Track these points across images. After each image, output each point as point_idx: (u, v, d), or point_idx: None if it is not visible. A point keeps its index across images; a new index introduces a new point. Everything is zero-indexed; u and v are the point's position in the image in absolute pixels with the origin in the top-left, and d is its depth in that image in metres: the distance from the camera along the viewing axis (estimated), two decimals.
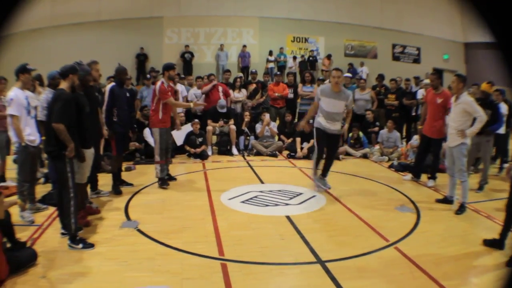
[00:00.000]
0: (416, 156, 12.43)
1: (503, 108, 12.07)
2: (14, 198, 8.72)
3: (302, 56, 28.74)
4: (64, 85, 7.30)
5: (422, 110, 11.96)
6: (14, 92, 8.33)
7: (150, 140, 13.14)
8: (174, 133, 14.17)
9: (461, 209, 9.36)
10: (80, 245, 7.20)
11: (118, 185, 10.58)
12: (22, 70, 8.35)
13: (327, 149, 10.86)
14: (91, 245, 7.28)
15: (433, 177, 11.69)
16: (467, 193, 9.42)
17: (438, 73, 11.65)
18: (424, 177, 11.97)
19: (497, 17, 2.21)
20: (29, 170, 8.59)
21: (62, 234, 7.58)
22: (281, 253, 7.22)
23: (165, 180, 11.09)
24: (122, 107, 10.36)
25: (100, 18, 26.03)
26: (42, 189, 9.97)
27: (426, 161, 11.92)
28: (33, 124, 8.57)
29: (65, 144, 7.03)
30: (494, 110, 10.91)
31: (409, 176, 12.08)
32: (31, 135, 8.41)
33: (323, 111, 10.29)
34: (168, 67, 11.05)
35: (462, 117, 9.30)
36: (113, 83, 10.60)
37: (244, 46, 28.15)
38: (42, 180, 10.84)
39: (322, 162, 10.78)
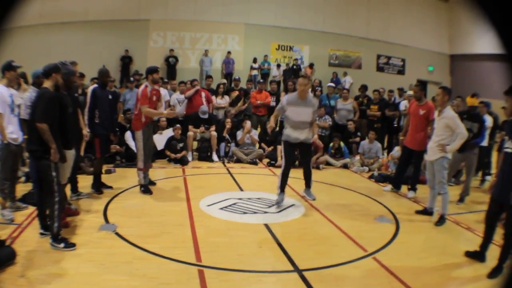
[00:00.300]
0: (397, 167, 12.47)
1: (488, 120, 12.16)
2: None
3: (287, 64, 28.77)
4: (47, 84, 7.29)
5: (405, 121, 12.01)
6: None
7: (131, 143, 13.13)
8: (155, 137, 14.16)
9: (440, 221, 9.40)
10: (62, 245, 7.17)
11: (100, 184, 10.60)
12: (8, 67, 8.28)
13: (301, 158, 11.14)
14: (73, 245, 7.26)
15: (413, 189, 11.72)
16: (447, 205, 9.46)
17: (421, 85, 11.73)
18: (404, 188, 12.01)
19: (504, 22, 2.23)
20: (10, 169, 8.53)
21: (41, 234, 7.57)
22: (258, 261, 7.24)
23: (147, 187, 10.91)
24: (104, 109, 10.33)
25: (87, 18, 25.96)
26: (22, 188, 9.90)
27: (407, 173, 11.96)
28: (16, 122, 8.50)
29: (48, 144, 6.99)
30: (480, 123, 10.96)
31: (389, 187, 12.12)
32: (14, 133, 8.33)
33: (290, 121, 10.18)
34: (152, 70, 10.85)
35: (445, 132, 9.32)
36: (95, 85, 10.58)
37: (229, 52, 28.19)
38: (23, 179, 10.78)
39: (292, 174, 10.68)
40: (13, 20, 2.31)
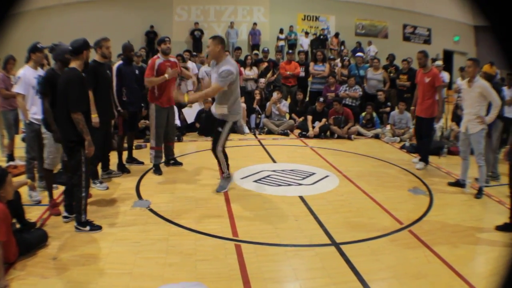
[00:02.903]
0: (416, 141, 12.27)
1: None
2: (23, 177, 8.64)
3: (314, 34, 28.56)
4: (76, 63, 6.96)
5: (415, 91, 11.78)
6: (24, 71, 8.30)
7: None
8: (185, 111, 14.13)
9: (480, 193, 9.24)
10: (88, 227, 7.10)
11: (124, 164, 10.56)
12: (34, 49, 8.28)
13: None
14: (99, 227, 7.19)
15: (423, 160, 11.50)
16: (484, 177, 9.35)
17: (424, 52, 11.40)
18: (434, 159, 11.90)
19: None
20: (36, 148, 8.55)
21: (64, 217, 7.49)
22: (295, 234, 7.18)
23: (158, 167, 10.57)
24: (131, 85, 10.29)
25: None
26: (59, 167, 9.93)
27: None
28: (41, 103, 8.50)
29: (82, 135, 6.80)
30: (498, 92, 10.57)
31: (421, 164, 11.72)
32: (37, 113, 8.29)
33: None
34: (159, 41, 10.69)
35: (479, 102, 9.15)
36: (120, 62, 10.48)
37: (255, 23, 28.07)
38: None
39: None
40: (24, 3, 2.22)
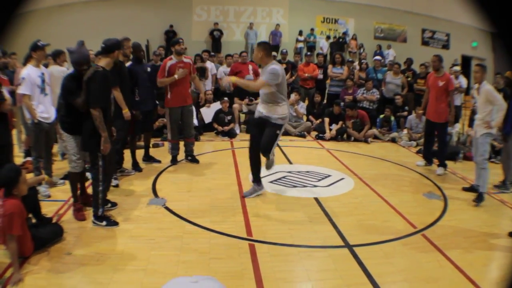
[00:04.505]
0: (424, 142, 12.34)
1: None
2: (43, 175, 8.71)
3: (335, 37, 28.50)
4: (104, 61, 7.16)
5: (425, 95, 11.77)
6: (27, 71, 8.28)
7: None
8: (203, 110, 14.18)
9: (479, 198, 9.13)
10: (104, 222, 7.20)
11: (137, 163, 10.54)
12: (35, 48, 8.27)
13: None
14: (115, 223, 7.29)
15: (442, 165, 11.41)
16: (486, 182, 9.23)
17: (439, 56, 11.40)
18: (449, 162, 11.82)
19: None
20: (43, 146, 8.65)
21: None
22: (309, 235, 7.22)
23: (174, 158, 11.13)
24: (143, 84, 10.27)
25: None
26: (65, 165, 10.04)
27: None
28: (48, 101, 8.55)
29: (98, 131, 6.90)
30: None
31: (422, 161, 11.94)
32: (44, 112, 8.41)
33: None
34: (173, 43, 11.06)
35: (486, 107, 9.12)
36: (130, 62, 10.37)
37: (278, 25, 28.02)
38: (59, 157, 10.92)
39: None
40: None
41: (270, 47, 8.96)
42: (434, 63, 11.29)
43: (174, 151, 11.08)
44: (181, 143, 11.14)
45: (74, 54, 7.35)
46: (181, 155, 11.28)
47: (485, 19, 2.23)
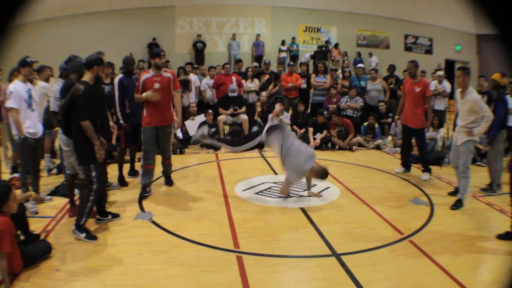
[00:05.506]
0: (401, 148, 12.43)
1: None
2: (30, 191, 8.70)
3: (318, 46, 28.53)
4: (87, 76, 7.31)
5: (400, 101, 11.82)
6: (15, 85, 8.31)
7: None
8: (188, 123, 14.21)
9: (457, 205, 9.18)
10: (84, 234, 7.26)
11: (124, 177, 10.49)
12: (23, 64, 8.30)
13: None
14: (94, 237, 7.32)
15: (426, 170, 11.47)
16: (466, 189, 9.26)
17: (415, 62, 11.43)
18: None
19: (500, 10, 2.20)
20: (31, 162, 8.63)
21: (98, 219, 7.91)
22: (296, 245, 7.25)
23: (144, 188, 9.78)
24: (133, 97, 9.97)
25: (112, 7, 25.98)
26: (55, 180, 10.00)
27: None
28: (34, 117, 8.55)
29: (91, 141, 7.08)
30: (503, 101, 10.26)
31: (401, 168, 12.02)
32: (31, 127, 8.42)
33: None
34: (153, 55, 9.88)
35: (469, 116, 9.05)
36: (121, 75, 10.35)
37: (258, 35, 28.22)
38: (54, 171, 10.90)
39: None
40: (23, 15, 2.30)
41: None
42: (411, 70, 11.37)
43: (145, 177, 9.82)
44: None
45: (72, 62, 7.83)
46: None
47: (487, 22, 2.26)
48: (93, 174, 7.23)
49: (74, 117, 7.12)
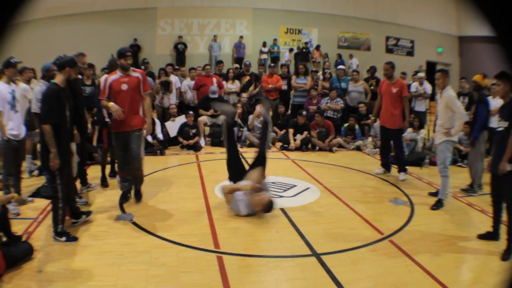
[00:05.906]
0: (380, 148, 12.54)
1: (497, 102, 11.63)
2: (12, 193, 8.66)
3: (298, 47, 28.58)
4: (59, 78, 7.24)
5: (376, 101, 11.87)
6: None
7: None
8: (168, 124, 14.20)
9: (437, 205, 9.28)
10: (64, 238, 7.21)
11: (105, 178, 10.41)
12: (7, 64, 8.23)
13: None
14: (75, 238, 7.29)
15: (402, 170, 11.56)
16: (446, 189, 9.36)
17: (391, 63, 11.48)
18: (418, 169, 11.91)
19: (497, 11, 2.22)
20: (13, 164, 8.58)
21: (73, 223, 7.83)
22: (276, 245, 7.28)
23: (123, 195, 9.32)
24: None
25: (94, 9, 25.79)
26: (36, 182, 9.97)
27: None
28: (18, 118, 8.54)
29: (48, 147, 6.94)
30: (484, 103, 10.21)
31: (381, 169, 12.06)
32: (14, 129, 8.38)
33: None
34: (119, 54, 8.99)
35: (446, 113, 9.17)
36: (105, 75, 9.74)
37: (241, 37, 28.17)
38: (36, 172, 10.85)
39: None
40: (19, 15, 2.29)
41: None
42: (387, 71, 11.41)
43: (123, 184, 9.34)
44: None
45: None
46: (145, 170, 10.79)
47: (486, 23, 2.27)
48: (58, 181, 7.14)
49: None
